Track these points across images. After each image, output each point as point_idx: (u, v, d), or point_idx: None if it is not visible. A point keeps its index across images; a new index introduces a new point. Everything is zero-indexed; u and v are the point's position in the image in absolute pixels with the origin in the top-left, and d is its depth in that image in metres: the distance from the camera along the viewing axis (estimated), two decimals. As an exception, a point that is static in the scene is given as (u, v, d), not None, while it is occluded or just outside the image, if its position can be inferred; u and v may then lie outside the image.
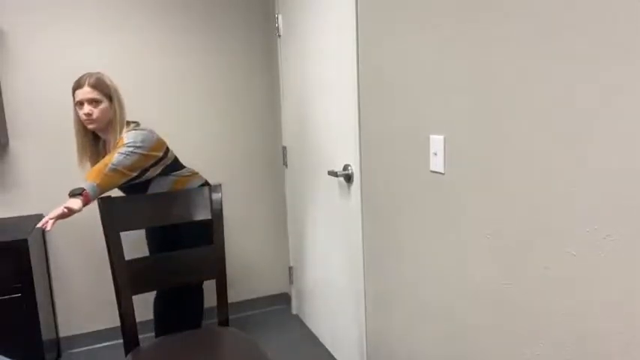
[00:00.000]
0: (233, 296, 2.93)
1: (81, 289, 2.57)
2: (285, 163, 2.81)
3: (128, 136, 1.83)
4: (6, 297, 2.02)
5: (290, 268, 2.92)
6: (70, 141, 2.46)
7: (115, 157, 1.76)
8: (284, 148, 2.78)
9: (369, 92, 1.76)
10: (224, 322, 1.82)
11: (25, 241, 2.02)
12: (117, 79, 2.51)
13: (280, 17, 2.63)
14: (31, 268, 2.04)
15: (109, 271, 1.66)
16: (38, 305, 2.08)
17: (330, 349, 2.45)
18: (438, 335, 1.49)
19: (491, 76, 1.17)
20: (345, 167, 2.00)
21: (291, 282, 2.94)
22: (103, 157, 1.96)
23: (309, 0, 2.23)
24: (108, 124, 1.91)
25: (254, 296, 3.00)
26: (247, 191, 2.90)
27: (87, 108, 1.83)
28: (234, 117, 2.81)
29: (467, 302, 1.34)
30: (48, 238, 2.49)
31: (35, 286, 2.07)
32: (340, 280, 2.21)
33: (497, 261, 1.22)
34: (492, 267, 1.23)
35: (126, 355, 1.64)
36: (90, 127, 1.88)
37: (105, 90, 1.88)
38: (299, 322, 2.82)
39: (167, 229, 2.02)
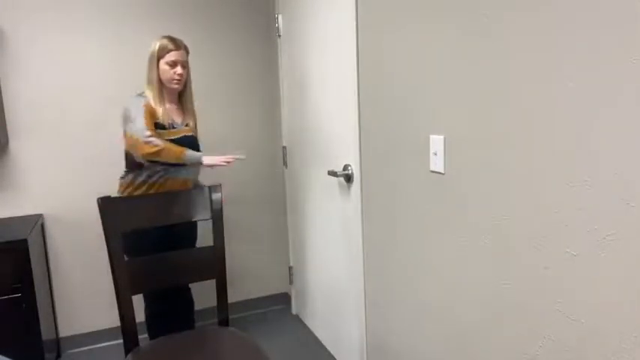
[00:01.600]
0: (233, 296, 2.93)
1: (81, 290, 2.57)
2: (285, 163, 2.81)
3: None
4: (6, 297, 2.02)
5: (290, 268, 2.92)
6: (69, 141, 2.47)
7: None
8: (284, 148, 2.78)
9: (369, 92, 1.76)
10: (224, 322, 1.82)
11: (25, 241, 2.02)
12: (117, 79, 2.52)
13: (280, 17, 2.63)
14: (31, 268, 2.04)
15: (109, 271, 1.66)
16: (38, 305, 2.08)
17: (330, 349, 2.45)
18: (438, 335, 1.49)
19: (492, 76, 1.17)
20: (345, 167, 2.00)
21: (291, 282, 2.94)
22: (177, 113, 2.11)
23: (309, 0, 2.23)
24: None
25: (254, 296, 3.00)
26: (247, 191, 2.90)
27: (180, 69, 1.99)
28: (234, 117, 2.81)
29: (467, 302, 1.34)
30: (48, 238, 2.49)
31: (35, 286, 2.07)
32: (340, 280, 2.21)
33: (497, 261, 1.22)
34: (492, 267, 1.23)
35: (126, 355, 1.64)
36: (176, 86, 2.02)
37: (188, 57, 2.07)
38: (299, 322, 2.82)
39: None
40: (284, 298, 3.05)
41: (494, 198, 1.20)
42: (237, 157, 2.02)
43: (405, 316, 1.67)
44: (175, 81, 2.00)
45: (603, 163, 0.92)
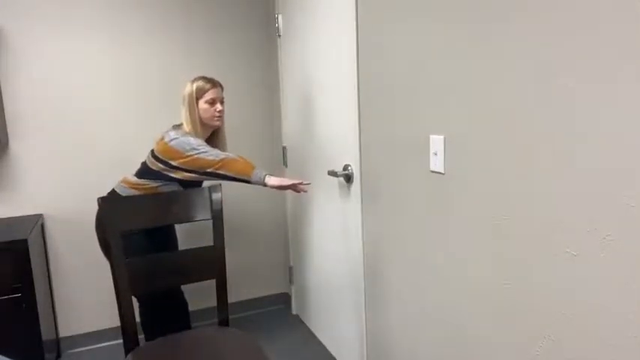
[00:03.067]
0: (233, 296, 2.93)
1: (81, 290, 2.57)
2: (285, 163, 2.81)
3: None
4: (6, 297, 2.02)
5: (290, 268, 2.92)
6: (69, 141, 2.47)
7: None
8: (284, 148, 2.78)
9: (369, 92, 1.76)
10: (224, 322, 1.82)
11: (25, 241, 2.02)
12: (117, 78, 2.52)
13: (280, 17, 2.63)
14: (31, 268, 2.04)
15: (109, 271, 1.66)
16: (38, 305, 2.08)
17: (330, 349, 2.45)
18: (438, 335, 1.49)
19: (492, 76, 1.17)
20: (345, 167, 2.00)
21: (291, 282, 2.94)
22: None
23: (309, 0, 2.23)
24: None
25: (254, 296, 3.01)
26: (247, 191, 2.90)
27: (220, 106, 2.06)
28: (234, 117, 2.81)
29: (467, 302, 1.34)
30: (48, 238, 2.49)
31: (35, 286, 2.07)
32: (340, 280, 2.21)
33: (497, 261, 1.22)
34: (492, 267, 1.23)
35: (126, 355, 1.64)
36: (217, 123, 2.08)
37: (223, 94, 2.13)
38: (299, 322, 2.82)
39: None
40: (284, 298, 3.05)
41: (495, 198, 1.20)
42: (305, 183, 1.99)
43: (405, 316, 1.67)
44: (217, 118, 2.06)
45: (603, 163, 0.92)
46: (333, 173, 2.02)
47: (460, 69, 1.27)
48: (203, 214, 1.80)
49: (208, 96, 2.03)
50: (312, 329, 2.67)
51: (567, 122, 0.98)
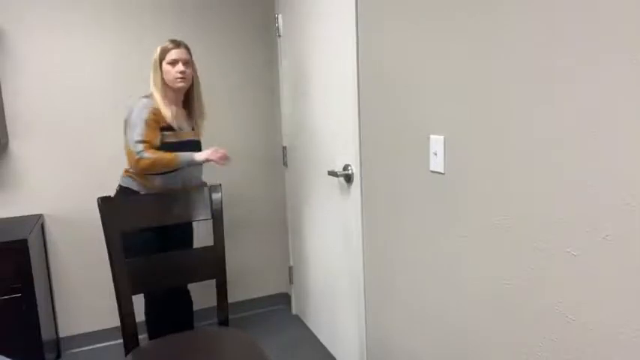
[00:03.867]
0: (233, 296, 2.93)
1: (81, 289, 2.57)
2: (285, 163, 2.81)
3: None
4: (6, 297, 2.02)
5: (290, 268, 2.92)
6: (69, 141, 2.47)
7: None
8: (284, 148, 2.78)
9: (369, 92, 1.76)
10: (224, 322, 1.82)
11: (25, 241, 2.02)
12: (117, 78, 2.52)
13: (280, 17, 2.63)
14: (31, 268, 2.04)
15: (109, 271, 1.66)
16: (38, 305, 2.08)
17: (330, 349, 2.45)
18: (437, 335, 1.49)
19: (492, 76, 1.17)
20: (345, 167, 2.00)
21: (291, 282, 2.94)
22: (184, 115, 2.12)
23: (309, 0, 2.23)
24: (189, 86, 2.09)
25: (254, 296, 3.00)
26: (247, 191, 2.90)
27: (181, 66, 1.99)
28: (234, 117, 2.81)
29: (467, 302, 1.34)
30: (48, 238, 2.49)
31: (35, 286, 2.07)
32: (340, 280, 2.21)
33: (496, 261, 1.22)
34: (492, 266, 1.23)
35: (126, 355, 1.64)
36: (180, 85, 2.01)
37: (191, 56, 2.07)
38: (299, 322, 2.82)
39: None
40: (284, 298, 3.05)
41: (494, 198, 1.20)
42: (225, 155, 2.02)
43: (405, 316, 1.67)
44: (179, 79, 1.99)
45: (603, 163, 0.92)
46: (333, 173, 2.02)
47: (460, 69, 1.27)
48: (203, 214, 1.80)
49: (170, 57, 1.98)
50: (312, 329, 2.67)
51: (567, 122, 0.98)
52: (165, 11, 2.58)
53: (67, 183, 2.49)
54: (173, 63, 1.99)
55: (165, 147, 1.99)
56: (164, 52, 1.99)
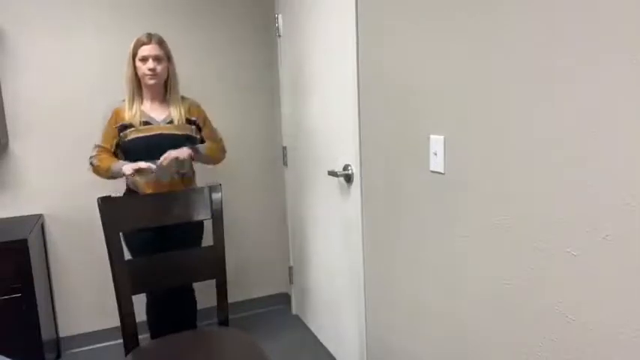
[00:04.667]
0: (233, 296, 2.93)
1: (81, 289, 2.57)
2: (285, 163, 2.81)
3: (214, 129, 2.24)
4: (6, 297, 2.02)
5: (290, 268, 2.92)
6: (69, 141, 2.47)
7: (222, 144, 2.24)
8: (284, 148, 2.78)
9: (369, 92, 1.76)
10: (224, 322, 1.82)
11: (25, 241, 2.02)
12: (117, 78, 2.52)
13: (280, 17, 2.63)
14: (31, 268, 2.04)
15: (109, 271, 1.66)
16: (38, 305, 2.08)
17: (330, 349, 2.45)
18: (437, 335, 1.49)
19: (492, 76, 1.17)
20: (345, 167, 2.00)
21: (291, 282, 2.94)
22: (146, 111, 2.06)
23: (309, 0, 2.23)
24: (163, 82, 2.04)
25: (254, 296, 3.00)
26: (247, 191, 2.90)
27: (152, 63, 1.95)
28: (234, 117, 2.81)
29: (467, 302, 1.34)
30: (48, 238, 2.49)
31: (35, 286, 2.07)
32: (340, 280, 2.21)
33: (496, 261, 1.22)
34: (492, 267, 1.23)
35: (126, 355, 1.64)
36: (150, 82, 1.97)
37: (166, 49, 2.02)
38: (299, 322, 2.82)
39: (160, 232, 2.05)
40: (284, 298, 3.05)
41: (494, 198, 1.20)
42: (149, 165, 1.91)
43: (405, 316, 1.67)
44: (148, 76, 1.96)
45: (603, 163, 0.92)
46: (333, 173, 2.02)
47: (460, 69, 1.27)
48: (203, 214, 1.80)
49: (141, 53, 1.95)
50: (312, 329, 2.67)
51: (567, 122, 0.98)
52: (166, 11, 2.58)
53: (67, 183, 2.49)
54: (144, 59, 1.95)
55: (130, 144, 1.99)
56: (136, 47, 1.96)
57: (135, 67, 1.98)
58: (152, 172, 1.92)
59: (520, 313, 1.16)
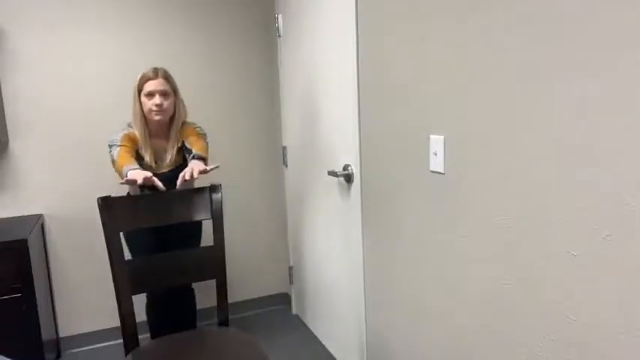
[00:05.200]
0: (233, 296, 2.93)
1: (81, 289, 2.57)
2: (285, 163, 2.81)
3: (196, 125, 2.08)
4: (6, 297, 2.02)
5: (290, 268, 2.92)
6: (69, 141, 2.47)
7: (204, 142, 2.04)
8: (284, 148, 2.78)
9: (369, 92, 1.76)
10: (224, 322, 1.82)
11: (25, 241, 2.02)
12: (116, 79, 2.52)
13: (280, 17, 2.63)
14: (31, 268, 2.04)
15: (109, 271, 1.66)
16: (38, 305, 2.08)
17: (330, 349, 2.45)
18: (438, 335, 1.49)
19: (492, 76, 1.17)
20: (345, 167, 2.00)
21: (291, 282, 2.94)
22: (151, 147, 2.01)
23: (309, 0, 2.23)
24: (170, 117, 2.00)
25: (254, 296, 3.01)
26: (247, 191, 2.90)
27: (158, 99, 1.91)
28: (234, 117, 2.81)
29: (467, 302, 1.34)
30: (48, 238, 2.49)
31: (35, 286, 2.07)
32: (340, 280, 2.21)
33: (497, 261, 1.22)
34: (492, 267, 1.23)
35: (126, 355, 1.64)
36: (157, 117, 1.93)
37: (173, 84, 1.99)
38: (299, 322, 2.82)
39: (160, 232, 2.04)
40: (284, 298, 3.05)
41: (494, 198, 1.20)
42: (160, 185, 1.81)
43: (405, 316, 1.67)
44: (155, 112, 1.92)
45: (603, 163, 0.92)
46: (333, 173, 2.02)
47: (460, 69, 1.27)
48: (203, 214, 1.80)
49: (146, 89, 1.92)
50: (312, 329, 2.67)
51: (567, 122, 0.98)
52: (166, 12, 2.58)
53: (67, 183, 2.49)
54: (150, 95, 1.92)
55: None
56: (142, 83, 1.93)
57: (140, 103, 1.94)
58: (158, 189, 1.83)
59: (520, 313, 1.16)
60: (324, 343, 2.52)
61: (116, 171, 1.89)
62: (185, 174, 1.78)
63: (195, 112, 2.68)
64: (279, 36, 2.66)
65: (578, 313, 1.00)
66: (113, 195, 1.70)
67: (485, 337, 1.29)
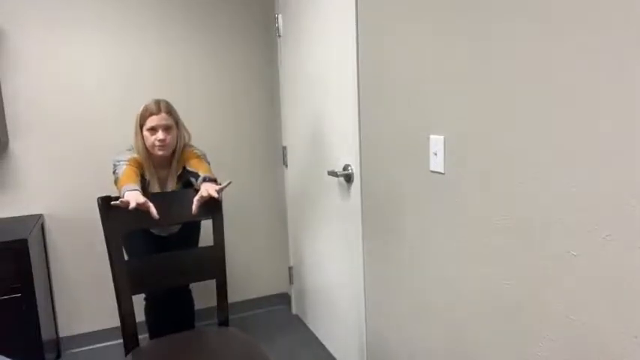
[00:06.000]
0: (233, 296, 2.93)
1: (81, 289, 2.57)
2: (285, 163, 2.81)
3: (193, 147, 2.05)
4: (6, 297, 2.02)
5: (290, 268, 2.92)
6: (69, 141, 2.47)
7: (206, 163, 2.02)
8: (284, 148, 2.78)
9: (369, 92, 1.76)
10: (224, 322, 1.82)
11: (25, 241, 2.02)
12: (118, 78, 2.52)
13: (280, 17, 2.63)
14: (31, 268, 2.04)
15: (109, 271, 1.65)
16: (38, 305, 2.08)
17: (330, 349, 2.45)
18: (438, 335, 1.49)
19: (492, 76, 1.17)
20: (345, 167, 2.00)
21: (291, 282, 2.94)
22: (151, 178, 1.97)
23: (309, 0, 2.23)
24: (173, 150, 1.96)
25: (254, 296, 3.00)
26: (247, 191, 2.90)
27: (161, 134, 1.88)
28: (234, 117, 2.81)
29: (467, 302, 1.34)
30: (48, 238, 2.49)
31: (35, 286, 2.07)
32: (340, 280, 2.21)
33: (497, 260, 1.22)
34: (492, 266, 1.23)
35: (126, 355, 1.64)
36: (160, 152, 1.90)
37: (175, 116, 1.95)
38: (299, 322, 2.82)
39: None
40: (284, 298, 3.05)
41: (494, 198, 1.20)
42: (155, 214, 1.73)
43: (405, 316, 1.67)
44: (157, 147, 1.89)
45: (603, 163, 0.92)
46: (333, 173, 2.02)
47: (460, 69, 1.27)
48: (203, 214, 1.80)
49: (149, 124, 1.87)
50: (312, 329, 2.67)
51: (567, 122, 0.98)
52: (166, 11, 2.58)
53: (67, 183, 2.49)
54: (153, 130, 1.88)
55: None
56: (144, 117, 1.89)
57: (142, 136, 1.90)
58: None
59: (520, 313, 1.16)
60: (324, 343, 2.52)
61: (117, 189, 1.83)
62: (201, 194, 1.75)
63: (195, 113, 2.69)
64: (279, 36, 2.66)
65: (578, 313, 1.00)
66: (113, 195, 1.70)
67: (485, 336, 1.29)
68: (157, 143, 1.88)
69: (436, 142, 1.39)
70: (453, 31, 1.28)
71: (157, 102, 1.91)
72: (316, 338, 2.60)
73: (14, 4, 2.32)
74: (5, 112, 2.36)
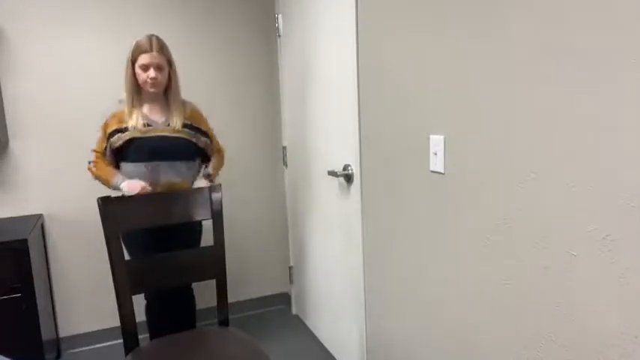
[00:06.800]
0: (233, 296, 2.93)
1: (81, 290, 2.57)
2: (285, 163, 2.81)
3: (214, 137, 2.22)
4: (6, 297, 2.02)
5: (290, 268, 2.92)
6: (70, 141, 2.47)
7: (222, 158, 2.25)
8: (284, 148, 2.78)
9: (369, 92, 1.76)
10: (224, 322, 1.82)
11: (25, 241, 2.02)
12: (118, 78, 2.52)
13: (280, 17, 2.63)
14: (31, 268, 2.04)
15: (109, 271, 1.66)
16: (38, 305, 2.08)
17: (330, 349, 2.45)
18: (438, 335, 1.49)
19: (492, 76, 1.17)
20: (345, 167, 2.00)
21: (291, 282, 2.94)
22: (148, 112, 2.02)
23: (309, 0, 2.23)
24: (165, 87, 2.01)
25: (254, 296, 3.01)
26: (247, 191, 2.90)
27: (153, 72, 1.90)
28: (234, 117, 2.81)
29: (467, 302, 1.34)
30: (48, 238, 2.49)
31: (35, 286, 2.07)
32: (340, 280, 2.21)
33: (497, 260, 1.22)
34: (492, 266, 1.23)
35: (126, 355, 1.64)
36: (152, 90, 1.93)
37: (167, 54, 1.97)
38: (299, 322, 2.82)
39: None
40: (284, 298, 3.05)
41: (495, 198, 1.20)
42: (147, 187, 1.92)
43: (405, 316, 1.67)
44: (149, 84, 1.91)
45: (603, 163, 0.92)
46: (333, 173, 2.02)
47: (460, 69, 1.27)
48: (203, 214, 1.80)
49: (141, 61, 1.88)
50: (312, 329, 2.67)
51: (567, 122, 0.98)
52: (166, 11, 2.58)
53: (67, 183, 2.49)
54: (145, 67, 1.89)
55: (129, 144, 1.95)
56: (136, 54, 1.89)
57: (134, 72, 1.93)
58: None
59: (520, 313, 1.16)
60: (324, 343, 2.52)
61: (104, 184, 1.99)
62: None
63: (195, 112, 2.69)
64: (279, 36, 2.66)
65: (578, 313, 1.00)
66: (113, 195, 1.70)
67: (485, 336, 1.29)
68: (149, 80, 1.91)
69: (436, 142, 1.39)
70: (453, 30, 1.28)
71: (149, 38, 1.91)
72: (316, 338, 2.60)
73: (14, 3, 2.32)
74: (5, 112, 2.36)
